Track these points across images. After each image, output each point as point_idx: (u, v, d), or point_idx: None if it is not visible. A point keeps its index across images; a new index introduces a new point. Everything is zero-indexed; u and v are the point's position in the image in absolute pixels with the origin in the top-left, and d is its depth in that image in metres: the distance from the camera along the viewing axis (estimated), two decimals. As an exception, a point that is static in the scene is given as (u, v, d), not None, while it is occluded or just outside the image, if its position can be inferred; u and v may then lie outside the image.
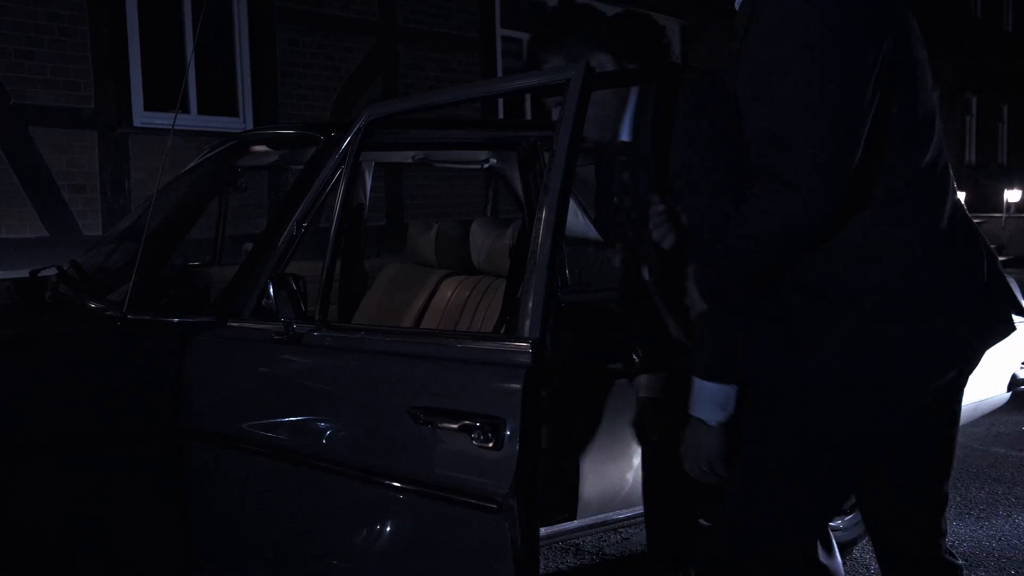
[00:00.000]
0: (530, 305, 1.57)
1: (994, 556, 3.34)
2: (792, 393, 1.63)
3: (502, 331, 2.49)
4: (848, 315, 1.56)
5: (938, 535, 1.84)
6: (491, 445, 1.55)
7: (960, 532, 3.56)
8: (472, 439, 1.57)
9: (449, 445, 1.64)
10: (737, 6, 1.68)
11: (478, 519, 1.59)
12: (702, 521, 2.15)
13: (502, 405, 1.56)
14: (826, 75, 1.47)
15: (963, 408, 3.55)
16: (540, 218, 1.60)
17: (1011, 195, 16.30)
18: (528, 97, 8.18)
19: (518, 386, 1.55)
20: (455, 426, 1.60)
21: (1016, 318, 1.70)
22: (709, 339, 1.68)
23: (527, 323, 1.57)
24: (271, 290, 1.90)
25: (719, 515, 1.77)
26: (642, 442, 2.25)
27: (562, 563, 3.26)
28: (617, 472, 2.76)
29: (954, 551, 3.33)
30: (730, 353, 1.67)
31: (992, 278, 1.64)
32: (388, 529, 1.79)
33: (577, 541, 3.36)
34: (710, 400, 1.68)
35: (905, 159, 1.56)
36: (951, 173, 1.66)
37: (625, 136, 1.99)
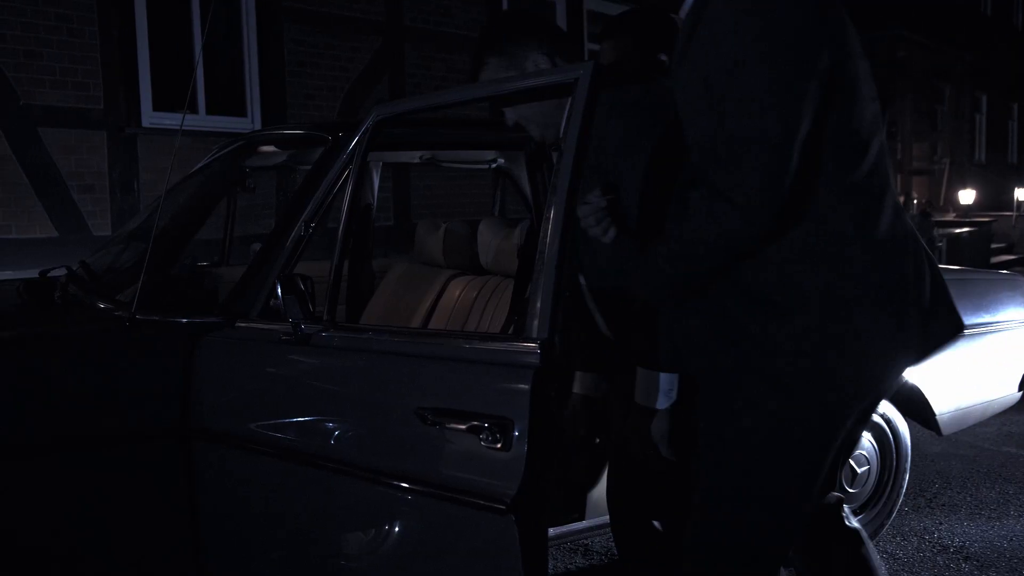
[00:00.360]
0: (538, 305, 1.57)
1: (1005, 557, 3.32)
2: (777, 388, 1.63)
3: (510, 331, 2.49)
4: (835, 312, 1.59)
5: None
6: (499, 446, 1.54)
7: (971, 532, 3.54)
8: (480, 440, 1.56)
9: (457, 446, 1.63)
10: (682, 15, 1.71)
11: (486, 520, 1.58)
12: (656, 524, 2.17)
13: (510, 406, 1.56)
14: (767, 90, 1.50)
15: (975, 407, 3.59)
16: (548, 218, 1.59)
17: (1021, 193, 16.23)
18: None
19: (526, 387, 1.54)
20: (463, 427, 1.59)
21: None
22: (656, 331, 1.74)
23: (535, 323, 1.56)
24: (279, 291, 1.90)
25: (694, 519, 1.77)
26: (573, 437, 2.33)
27: (571, 563, 3.26)
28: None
29: (966, 551, 3.33)
30: (675, 343, 1.73)
31: (939, 288, 1.72)
32: (396, 530, 1.78)
33: (586, 541, 3.35)
34: (654, 387, 1.76)
35: (845, 168, 1.60)
36: (892, 181, 1.70)
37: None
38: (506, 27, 2.03)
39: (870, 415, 1.80)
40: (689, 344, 1.74)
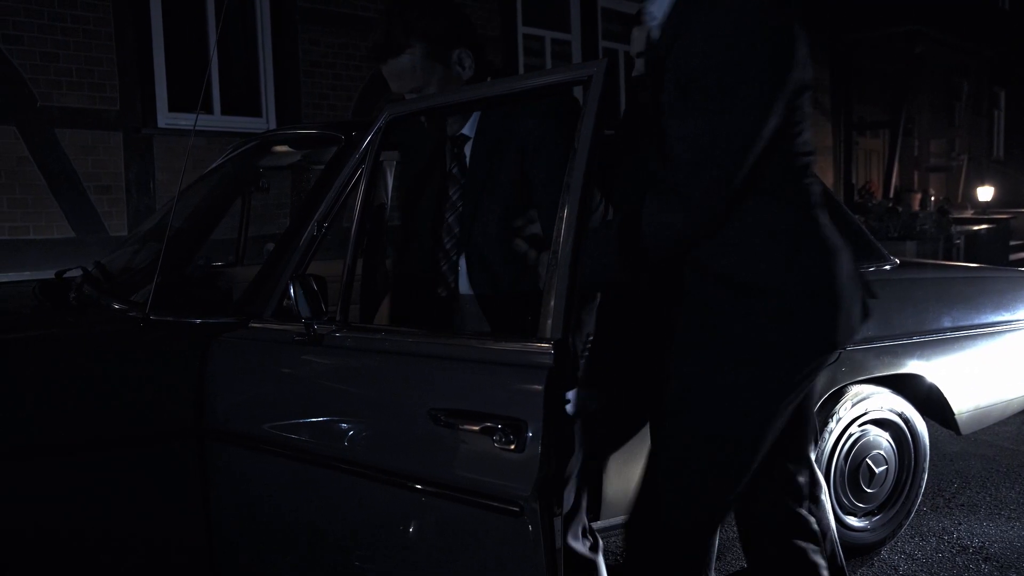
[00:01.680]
0: (552, 305, 1.55)
1: (1026, 558, 3.29)
2: (751, 357, 1.82)
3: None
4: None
5: None
6: (513, 447, 1.53)
7: (991, 532, 3.51)
8: (493, 441, 1.55)
9: (470, 447, 1.62)
10: (652, 21, 1.86)
11: (500, 522, 1.57)
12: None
13: (523, 407, 1.54)
14: (744, 100, 1.66)
15: (995, 406, 3.56)
16: (561, 216, 1.58)
17: (1041, 190, 16.07)
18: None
19: (540, 387, 1.53)
20: (476, 428, 1.58)
21: None
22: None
23: (549, 323, 1.54)
24: (292, 291, 1.89)
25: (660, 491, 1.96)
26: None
27: (586, 563, 3.24)
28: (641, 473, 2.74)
29: (985, 551, 3.30)
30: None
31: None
32: (409, 531, 1.78)
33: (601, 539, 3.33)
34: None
35: (796, 165, 1.81)
36: (818, 187, 1.93)
37: (467, 131, 2.15)
38: (444, 15, 2.04)
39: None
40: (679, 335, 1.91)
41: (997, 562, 3.24)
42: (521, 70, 9.05)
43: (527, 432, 1.53)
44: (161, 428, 2.04)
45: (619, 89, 9.17)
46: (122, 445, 2.00)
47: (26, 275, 5.08)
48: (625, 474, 2.69)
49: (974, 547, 3.39)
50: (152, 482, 2.02)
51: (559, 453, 1.52)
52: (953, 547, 3.39)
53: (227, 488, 2.06)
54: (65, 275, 2.98)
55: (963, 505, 3.83)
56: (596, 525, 2.76)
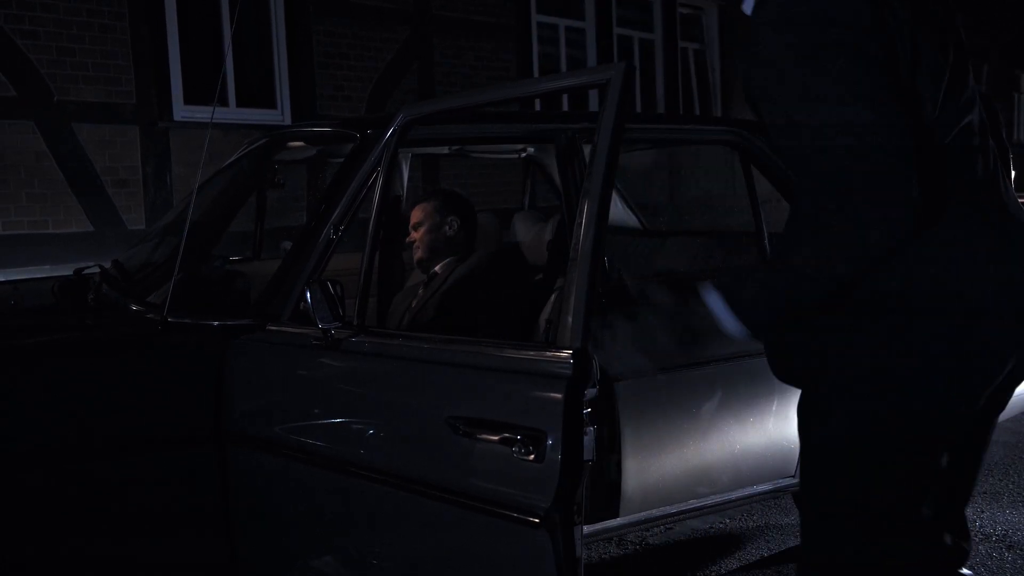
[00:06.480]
0: (571, 311, 1.52)
1: (1050, 551, 3.26)
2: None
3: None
4: None
5: None
6: (532, 458, 1.51)
7: (1014, 520, 3.48)
8: (512, 451, 1.53)
9: (489, 457, 1.60)
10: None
11: (519, 532, 1.56)
12: None
13: (543, 417, 1.52)
14: None
15: (1018, 397, 3.50)
16: (580, 223, 1.54)
17: (1063, 172, 15.91)
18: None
19: (559, 396, 1.50)
20: (495, 438, 1.56)
21: None
22: None
23: (568, 331, 1.52)
24: (308, 296, 1.87)
25: None
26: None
27: (604, 552, 3.24)
28: (659, 470, 2.73)
29: (1009, 540, 3.26)
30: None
31: None
32: (428, 539, 1.77)
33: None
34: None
35: None
36: None
37: None
38: None
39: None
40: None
41: (1021, 550, 3.21)
42: (535, 59, 8.99)
43: (547, 442, 1.51)
44: (180, 432, 2.04)
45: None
46: (142, 449, 2.00)
47: (46, 269, 5.11)
48: (643, 471, 2.68)
49: (997, 535, 3.36)
50: (172, 486, 2.02)
51: (578, 463, 1.50)
52: (976, 535, 3.36)
53: (246, 491, 2.05)
54: (84, 272, 2.98)
55: (985, 493, 3.79)
56: (615, 523, 2.75)
